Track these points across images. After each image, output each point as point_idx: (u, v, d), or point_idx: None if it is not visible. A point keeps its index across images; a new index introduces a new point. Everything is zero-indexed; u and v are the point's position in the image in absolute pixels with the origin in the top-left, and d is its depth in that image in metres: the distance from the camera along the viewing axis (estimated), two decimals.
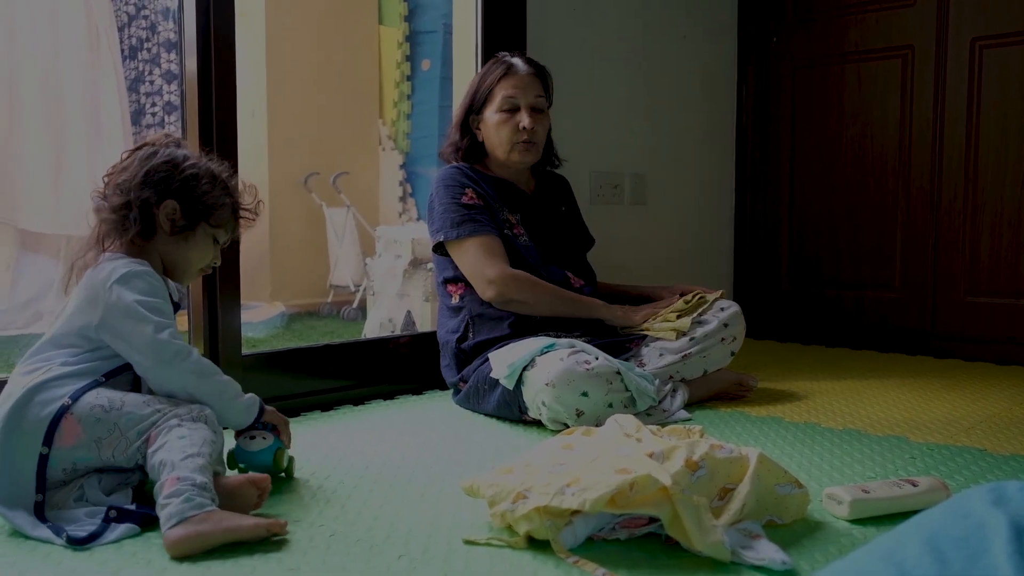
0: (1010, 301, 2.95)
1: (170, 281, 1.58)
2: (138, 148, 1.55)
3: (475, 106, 2.28)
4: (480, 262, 2.14)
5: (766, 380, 2.55)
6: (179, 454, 1.32)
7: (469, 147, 2.30)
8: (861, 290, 3.26)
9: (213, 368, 1.50)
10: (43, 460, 1.37)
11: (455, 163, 2.30)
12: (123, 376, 1.46)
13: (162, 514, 1.27)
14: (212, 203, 1.54)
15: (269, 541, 1.29)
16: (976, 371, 2.78)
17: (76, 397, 1.39)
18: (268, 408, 1.58)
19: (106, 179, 1.54)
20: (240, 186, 1.62)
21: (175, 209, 1.51)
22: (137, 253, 1.52)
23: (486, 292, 2.14)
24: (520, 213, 2.29)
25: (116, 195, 1.51)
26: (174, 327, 1.47)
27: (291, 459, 1.61)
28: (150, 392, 1.47)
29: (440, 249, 2.23)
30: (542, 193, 2.39)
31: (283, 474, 1.60)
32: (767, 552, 1.22)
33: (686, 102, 3.31)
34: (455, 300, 2.25)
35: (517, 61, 2.27)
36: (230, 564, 1.23)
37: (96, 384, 1.42)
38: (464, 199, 2.19)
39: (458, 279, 2.24)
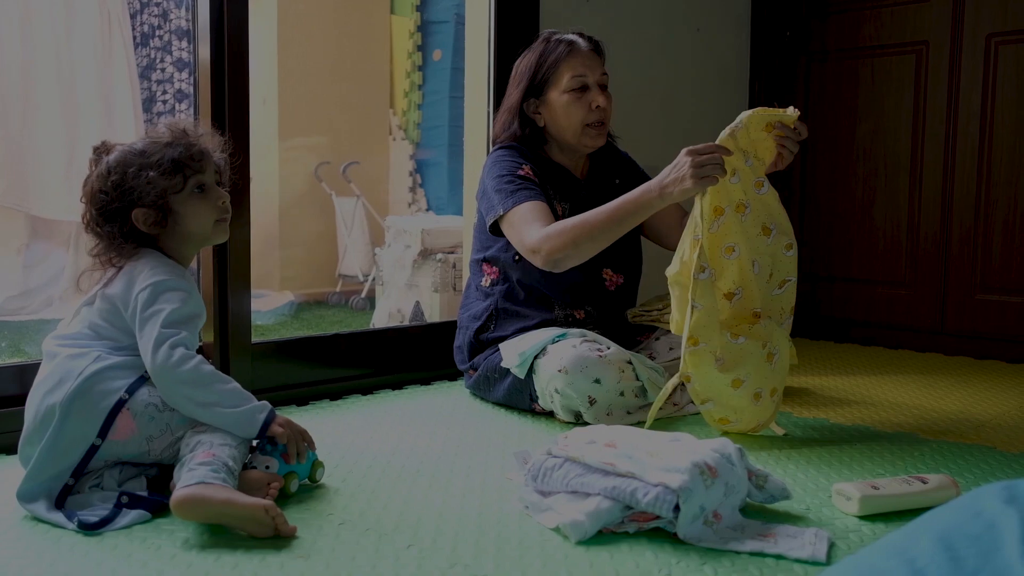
0: (1021, 299, 2.93)
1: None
2: (84, 184, 1.49)
3: (535, 89, 2.11)
4: (521, 232, 1.96)
5: None
6: (219, 439, 1.37)
7: (530, 135, 2.14)
8: (871, 287, 3.25)
9: (215, 377, 1.42)
10: (92, 450, 1.38)
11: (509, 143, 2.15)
12: None
13: (186, 475, 1.29)
14: (154, 181, 1.44)
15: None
16: (987, 369, 2.77)
17: (131, 391, 1.40)
18: (280, 420, 1.45)
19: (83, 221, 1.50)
20: (173, 131, 1.49)
21: (146, 214, 1.46)
22: (166, 248, 1.51)
23: (535, 261, 1.95)
24: (570, 202, 2.14)
25: (94, 236, 1.48)
26: (185, 336, 1.42)
27: (320, 466, 1.51)
28: None
29: (497, 230, 2.05)
30: (595, 174, 2.24)
31: (308, 481, 1.51)
32: (789, 539, 1.23)
33: (699, 94, 3.30)
34: (486, 283, 2.16)
35: (576, 38, 2.11)
36: (240, 553, 1.23)
37: (143, 379, 1.43)
38: (521, 171, 2.05)
39: (494, 260, 2.14)
